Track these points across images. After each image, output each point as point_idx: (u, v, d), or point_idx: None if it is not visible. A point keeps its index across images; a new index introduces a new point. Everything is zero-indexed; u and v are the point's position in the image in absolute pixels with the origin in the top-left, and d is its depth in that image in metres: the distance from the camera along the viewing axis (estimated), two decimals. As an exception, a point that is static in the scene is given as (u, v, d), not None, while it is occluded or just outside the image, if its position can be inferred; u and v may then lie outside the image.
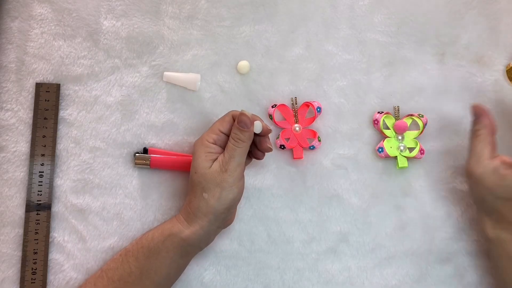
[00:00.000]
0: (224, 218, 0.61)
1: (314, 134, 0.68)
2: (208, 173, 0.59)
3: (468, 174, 0.61)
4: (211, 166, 0.59)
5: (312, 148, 0.68)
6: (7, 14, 0.68)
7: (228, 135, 0.61)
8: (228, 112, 0.62)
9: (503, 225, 0.60)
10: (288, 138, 0.68)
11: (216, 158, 0.60)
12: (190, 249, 0.61)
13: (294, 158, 0.68)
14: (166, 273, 0.61)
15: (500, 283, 0.64)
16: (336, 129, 0.70)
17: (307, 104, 0.69)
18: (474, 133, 0.62)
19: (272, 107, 0.68)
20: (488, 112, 0.62)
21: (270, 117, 0.68)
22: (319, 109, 0.68)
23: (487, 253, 0.67)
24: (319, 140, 0.68)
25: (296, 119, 0.68)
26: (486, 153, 0.60)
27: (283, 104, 0.68)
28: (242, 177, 0.61)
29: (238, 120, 0.59)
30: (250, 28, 0.70)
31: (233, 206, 0.61)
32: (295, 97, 0.69)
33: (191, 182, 0.60)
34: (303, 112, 0.69)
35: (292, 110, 0.69)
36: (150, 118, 0.68)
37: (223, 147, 0.61)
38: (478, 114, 0.63)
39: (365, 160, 0.69)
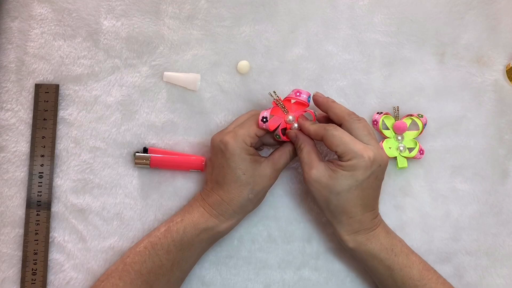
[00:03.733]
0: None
1: (305, 111, 0.64)
2: (257, 176, 0.61)
3: (307, 182, 0.61)
4: (259, 167, 0.61)
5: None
6: (7, 14, 0.68)
7: (260, 139, 0.63)
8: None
9: (354, 226, 0.61)
10: (285, 129, 0.64)
11: (257, 160, 0.62)
12: (219, 237, 0.64)
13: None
14: (195, 260, 0.63)
15: (381, 285, 0.64)
16: (336, 129, 0.69)
17: (288, 100, 0.64)
18: (298, 148, 0.63)
19: (263, 121, 0.61)
20: (303, 135, 0.63)
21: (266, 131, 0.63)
22: (309, 99, 0.64)
23: (362, 264, 0.65)
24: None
25: (284, 110, 0.63)
26: (314, 158, 0.61)
27: (272, 108, 0.63)
28: None
29: (291, 137, 0.63)
30: (250, 28, 0.70)
31: None
32: (273, 91, 0.64)
33: (238, 182, 0.61)
34: (288, 103, 0.64)
35: (275, 103, 0.63)
36: (150, 118, 0.68)
37: (256, 148, 0.64)
38: (294, 137, 0.64)
39: (365, 160, 0.69)
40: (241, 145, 0.60)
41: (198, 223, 0.61)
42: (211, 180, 0.63)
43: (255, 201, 0.63)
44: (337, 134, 0.60)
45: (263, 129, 0.61)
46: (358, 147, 0.59)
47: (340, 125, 0.61)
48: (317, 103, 0.64)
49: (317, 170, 0.60)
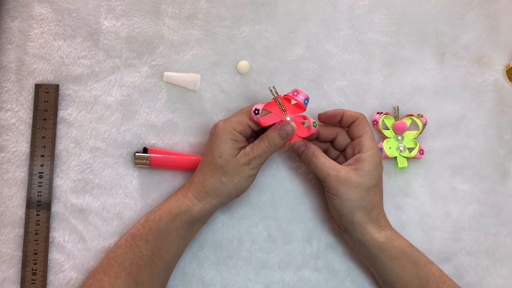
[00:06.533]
0: (232, 200, 0.64)
1: (305, 118, 0.64)
2: (232, 161, 0.61)
3: (338, 184, 0.61)
4: (236, 154, 0.61)
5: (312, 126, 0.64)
6: (7, 14, 0.68)
7: (253, 131, 0.63)
8: None
9: (381, 222, 0.63)
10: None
11: (240, 147, 0.62)
12: (197, 224, 0.64)
13: None
14: (176, 250, 0.63)
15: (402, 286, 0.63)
16: (336, 129, 0.69)
17: (287, 98, 0.63)
18: (312, 156, 0.63)
19: (255, 113, 0.61)
20: (303, 140, 0.64)
21: (258, 124, 0.62)
22: (306, 101, 0.62)
23: (389, 265, 0.64)
24: (314, 126, 0.63)
25: (283, 110, 0.62)
26: (333, 161, 0.63)
27: (267, 103, 0.63)
28: (258, 171, 0.63)
29: (282, 128, 0.61)
30: (250, 28, 0.70)
31: (244, 192, 0.64)
32: (273, 86, 0.61)
33: (212, 164, 0.61)
34: (288, 101, 0.63)
35: (274, 100, 0.62)
36: (150, 118, 0.68)
37: (247, 137, 0.63)
38: (297, 150, 0.64)
39: (365, 160, 0.69)
40: (229, 129, 0.61)
41: (172, 208, 0.62)
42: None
43: (231, 186, 0.61)
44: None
45: (254, 121, 0.62)
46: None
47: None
48: (325, 120, 0.66)
49: (345, 171, 0.61)
